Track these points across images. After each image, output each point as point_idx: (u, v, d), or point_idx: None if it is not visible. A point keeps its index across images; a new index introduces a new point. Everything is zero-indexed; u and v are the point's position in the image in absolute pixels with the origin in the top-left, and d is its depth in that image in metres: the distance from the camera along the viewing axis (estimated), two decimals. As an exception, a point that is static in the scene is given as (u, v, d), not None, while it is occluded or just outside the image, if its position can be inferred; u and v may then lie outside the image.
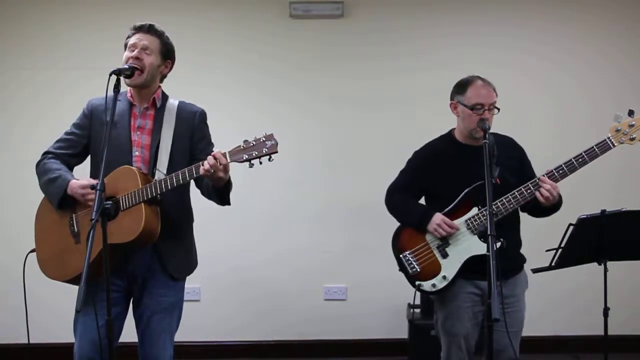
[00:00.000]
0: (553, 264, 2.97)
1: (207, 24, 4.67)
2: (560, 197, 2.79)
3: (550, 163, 2.79)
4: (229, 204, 2.73)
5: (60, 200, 2.64)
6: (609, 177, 4.46)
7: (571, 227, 2.87)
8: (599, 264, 3.05)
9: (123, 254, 2.58)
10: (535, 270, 3.03)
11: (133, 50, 2.65)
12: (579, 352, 4.54)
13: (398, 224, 3.04)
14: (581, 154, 2.70)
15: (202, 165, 2.46)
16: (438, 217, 2.85)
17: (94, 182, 2.56)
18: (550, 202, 2.76)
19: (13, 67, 4.65)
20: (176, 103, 2.79)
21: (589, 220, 2.87)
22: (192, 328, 4.28)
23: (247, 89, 4.68)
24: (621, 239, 2.98)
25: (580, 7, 4.73)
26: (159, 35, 2.73)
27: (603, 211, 2.88)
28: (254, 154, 2.43)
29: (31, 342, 2.92)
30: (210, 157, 2.45)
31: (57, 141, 2.79)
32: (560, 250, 2.93)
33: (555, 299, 4.60)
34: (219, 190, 2.64)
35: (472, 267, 2.82)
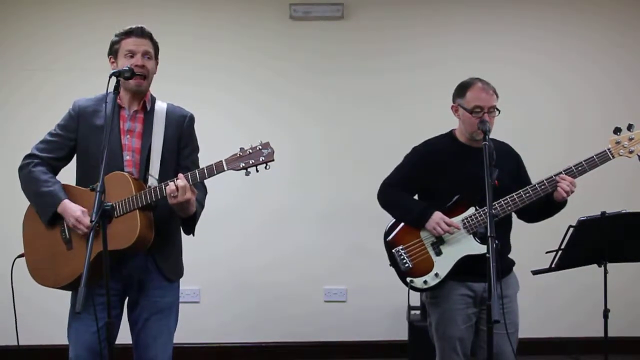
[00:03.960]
0: (553, 265, 2.98)
1: (207, 25, 4.68)
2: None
3: (559, 164, 2.79)
4: (193, 234, 2.72)
5: (50, 219, 2.60)
6: (610, 179, 4.46)
7: (571, 229, 2.88)
8: (599, 266, 3.06)
9: (118, 258, 2.56)
10: (535, 272, 3.03)
11: (132, 57, 2.60)
12: (579, 354, 4.54)
13: None
14: (581, 162, 2.75)
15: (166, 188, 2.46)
16: (437, 216, 2.84)
17: (86, 213, 2.53)
18: (565, 198, 2.76)
19: (7, 68, 4.63)
20: (165, 106, 2.74)
21: (588, 222, 2.88)
22: (191, 330, 4.30)
23: (247, 89, 4.67)
24: (621, 240, 2.98)
25: (591, 8, 4.73)
26: (151, 36, 2.68)
27: (603, 213, 2.89)
28: (250, 162, 2.43)
29: (21, 344, 2.91)
30: (171, 184, 2.45)
31: (42, 142, 2.71)
32: (560, 252, 2.94)
33: (555, 301, 4.60)
34: (183, 220, 2.64)
35: (465, 269, 2.82)
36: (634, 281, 4.49)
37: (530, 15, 4.72)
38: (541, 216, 2.96)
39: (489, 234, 2.34)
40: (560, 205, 2.83)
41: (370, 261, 4.48)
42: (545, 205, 2.84)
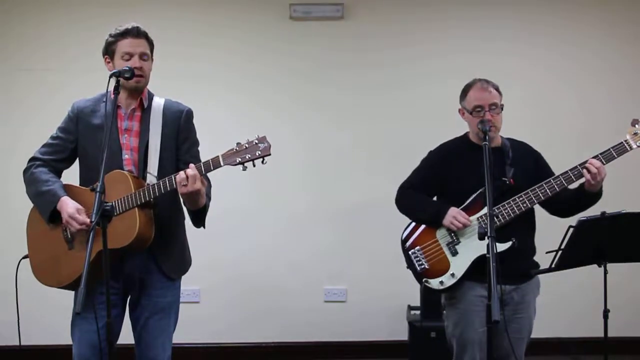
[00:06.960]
0: (553, 265, 2.97)
1: (206, 25, 4.67)
2: (601, 187, 2.82)
3: (571, 164, 2.79)
4: (203, 226, 2.73)
5: (50, 216, 2.62)
6: (610, 179, 4.45)
7: (571, 229, 2.88)
8: (599, 266, 3.05)
9: (119, 257, 2.57)
10: (535, 272, 3.03)
11: (129, 59, 2.61)
12: (578, 354, 4.54)
13: (401, 223, 3.04)
14: (597, 155, 2.74)
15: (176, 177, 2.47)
16: (454, 210, 2.86)
17: (81, 211, 2.55)
18: (596, 185, 2.76)
19: (1, 68, 4.61)
20: (162, 102, 2.75)
21: (588, 222, 2.87)
22: (191, 329, 4.29)
23: (247, 89, 4.67)
24: (621, 240, 2.98)
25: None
26: (146, 35, 2.68)
27: (603, 213, 2.89)
28: (247, 157, 2.43)
29: (22, 344, 2.91)
30: (182, 172, 2.46)
31: (44, 146, 2.75)
32: (560, 252, 2.93)
33: (555, 301, 4.57)
34: (193, 212, 2.66)
35: (482, 269, 2.80)
36: (634, 281, 4.49)
37: (538, 13, 4.71)
38: (573, 210, 2.97)
39: (488, 234, 2.35)
40: (593, 195, 2.82)
41: (370, 261, 4.49)
42: (576, 198, 2.86)
